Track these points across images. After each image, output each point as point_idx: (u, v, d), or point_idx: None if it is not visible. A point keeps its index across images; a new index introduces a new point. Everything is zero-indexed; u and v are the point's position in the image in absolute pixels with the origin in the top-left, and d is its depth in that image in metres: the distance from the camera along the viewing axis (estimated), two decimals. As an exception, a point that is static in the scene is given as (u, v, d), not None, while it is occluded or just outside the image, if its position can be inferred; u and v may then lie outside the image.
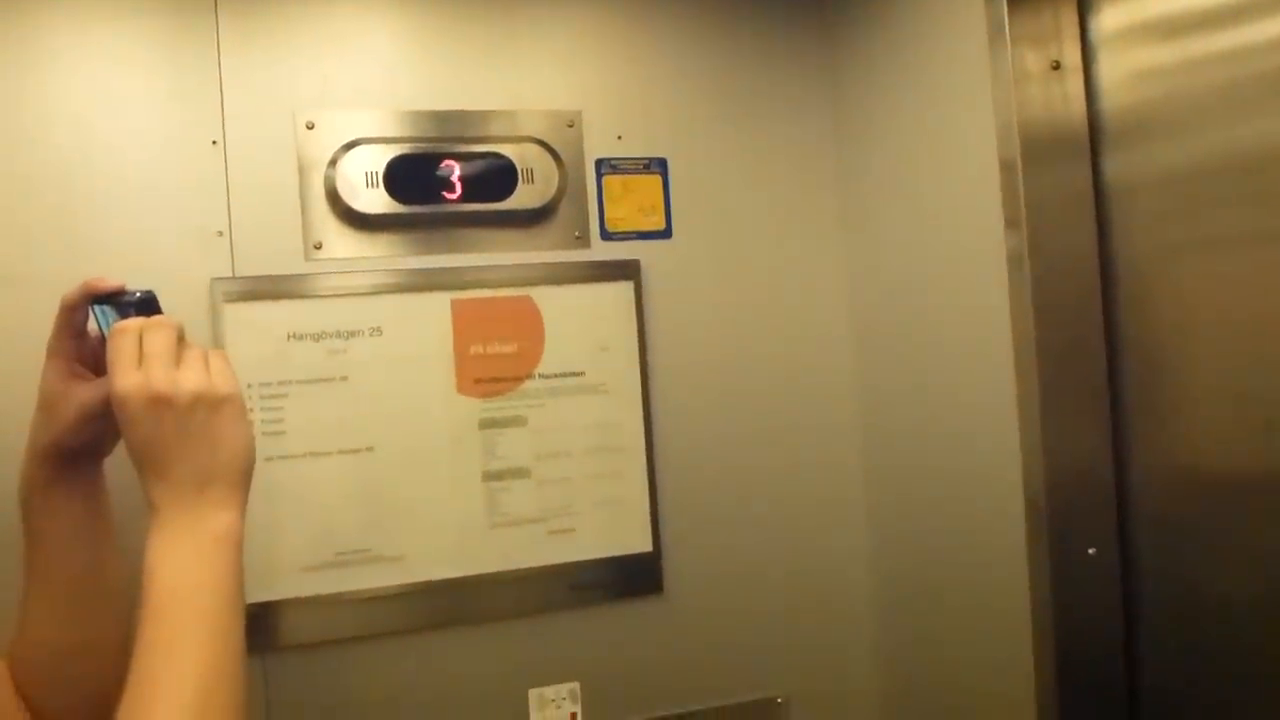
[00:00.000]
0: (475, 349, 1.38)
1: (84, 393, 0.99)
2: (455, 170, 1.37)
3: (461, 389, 1.38)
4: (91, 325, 1.04)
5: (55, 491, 1.02)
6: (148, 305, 1.01)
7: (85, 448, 1.02)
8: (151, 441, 0.88)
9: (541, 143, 1.41)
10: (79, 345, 1.04)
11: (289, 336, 1.31)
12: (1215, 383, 1.08)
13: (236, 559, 0.89)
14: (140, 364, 0.90)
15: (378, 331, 1.34)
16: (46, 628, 1.03)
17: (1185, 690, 1.13)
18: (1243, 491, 1.06)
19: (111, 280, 1.02)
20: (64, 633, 1.02)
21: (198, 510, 0.88)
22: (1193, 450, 1.12)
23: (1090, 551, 1.17)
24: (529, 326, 1.41)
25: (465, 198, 1.38)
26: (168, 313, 1.23)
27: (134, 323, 0.94)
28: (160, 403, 0.88)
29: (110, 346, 0.92)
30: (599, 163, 1.44)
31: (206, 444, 0.89)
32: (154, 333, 0.92)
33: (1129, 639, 1.18)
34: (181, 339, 0.95)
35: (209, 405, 0.90)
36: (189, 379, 0.90)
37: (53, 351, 1.03)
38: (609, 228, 1.45)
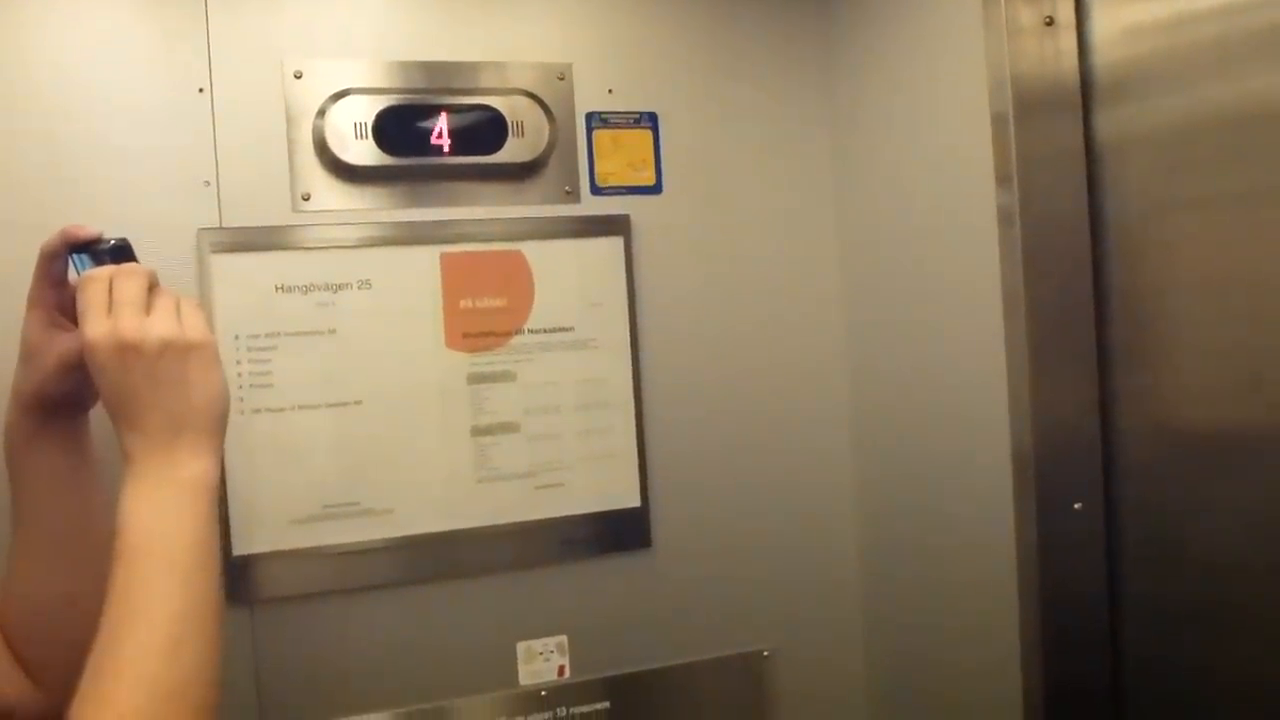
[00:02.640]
0: (464, 303, 1.38)
1: (63, 342, 0.98)
2: (445, 122, 1.36)
3: (450, 343, 1.37)
4: (71, 274, 1.03)
5: (38, 442, 1.01)
6: (121, 253, 1.00)
7: (67, 398, 1.01)
8: (121, 390, 0.88)
9: (532, 95, 1.40)
10: (59, 294, 1.03)
11: (276, 288, 1.30)
12: (1203, 339, 1.09)
13: (210, 506, 0.89)
14: (110, 312, 0.89)
15: (366, 284, 1.34)
16: (32, 578, 1.03)
17: (1169, 645, 1.14)
18: (1228, 447, 1.07)
19: (89, 228, 1.01)
20: (49, 584, 1.02)
21: (170, 458, 0.88)
22: (1179, 406, 1.13)
23: (1076, 506, 1.18)
24: (518, 281, 1.40)
25: (455, 150, 1.36)
26: (153, 262, 1.23)
27: (104, 270, 0.93)
28: (129, 350, 0.87)
29: (80, 295, 0.92)
30: (589, 116, 1.43)
31: (177, 391, 0.89)
32: (124, 280, 0.91)
33: (1113, 593, 1.19)
34: (154, 286, 0.94)
35: (178, 352, 0.89)
36: (158, 326, 0.89)
37: (33, 301, 1.02)
38: (599, 182, 1.44)
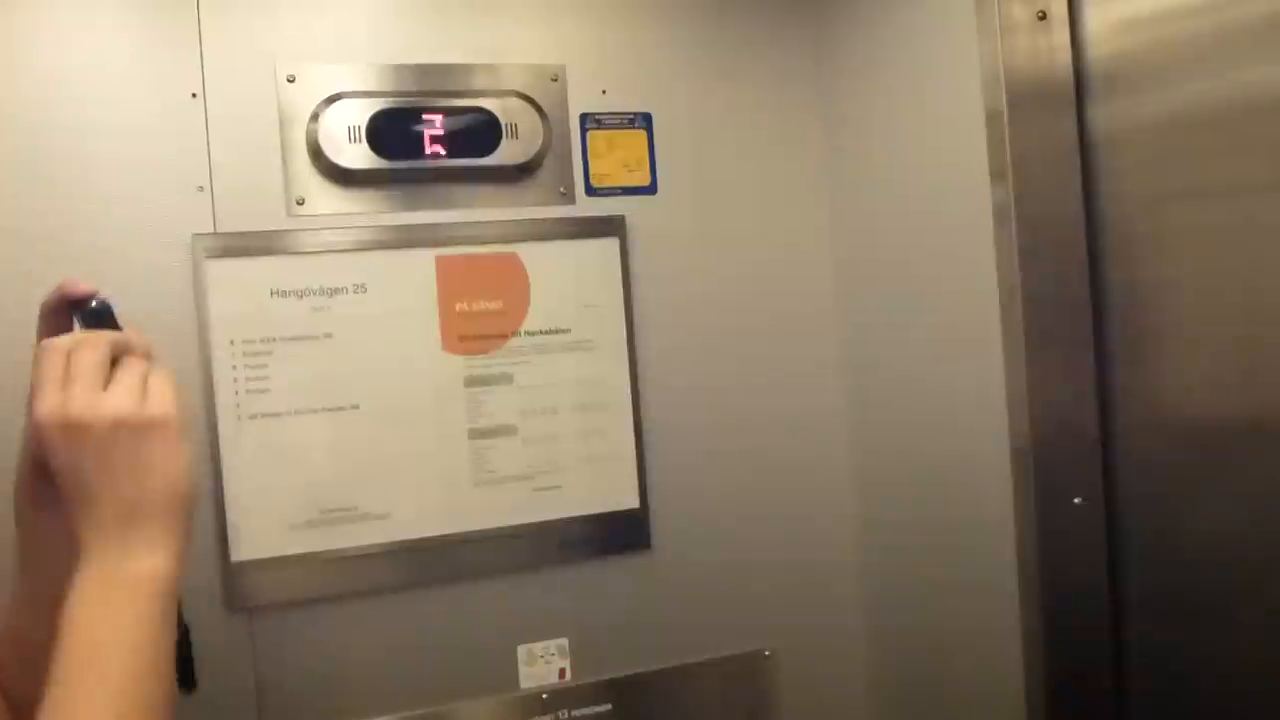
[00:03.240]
0: (460, 306, 1.37)
1: None
2: (438, 125, 1.36)
3: (447, 346, 1.37)
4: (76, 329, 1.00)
5: (44, 500, 0.97)
6: (98, 317, 0.94)
7: None
8: (72, 472, 0.80)
9: (525, 97, 1.40)
10: None
11: (272, 293, 1.30)
12: (1198, 331, 1.09)
13: (162, 610, 0.79)
14: (64, 386, 0.81)
15: (362, 288, 1.33)
16: (29, 623, 1.01)
17: (1171, 638, 1.14)
18: (1226, 439, 1.07)
19: (82, 285, 0.91)
20: (44, 631, 1.01)
21: (123, 551, 0.79)
22: (1177, 400, 1.13)
23: (1076, 501, 1.18)
24: (514, 283, 1.40)
25: (449, 153, 1.36)
26: (148, 268, 1.23)
27: (65, 339, 0.85)
28: (78, 429, 0.79)
29: (35, 366, 0.84)
30: (583, 117, 1.43)
31: (132, 476, 0.79)
32: (81, 350, 0.83)
33: (1114, 587, 1.19)
34: (122, 356, 0.86)
35: (134, 431, 0.80)
36: (112, 401, 0.80)
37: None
38: (594, 183, 1.44)
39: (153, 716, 0.77)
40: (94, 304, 0.91)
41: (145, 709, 0.77)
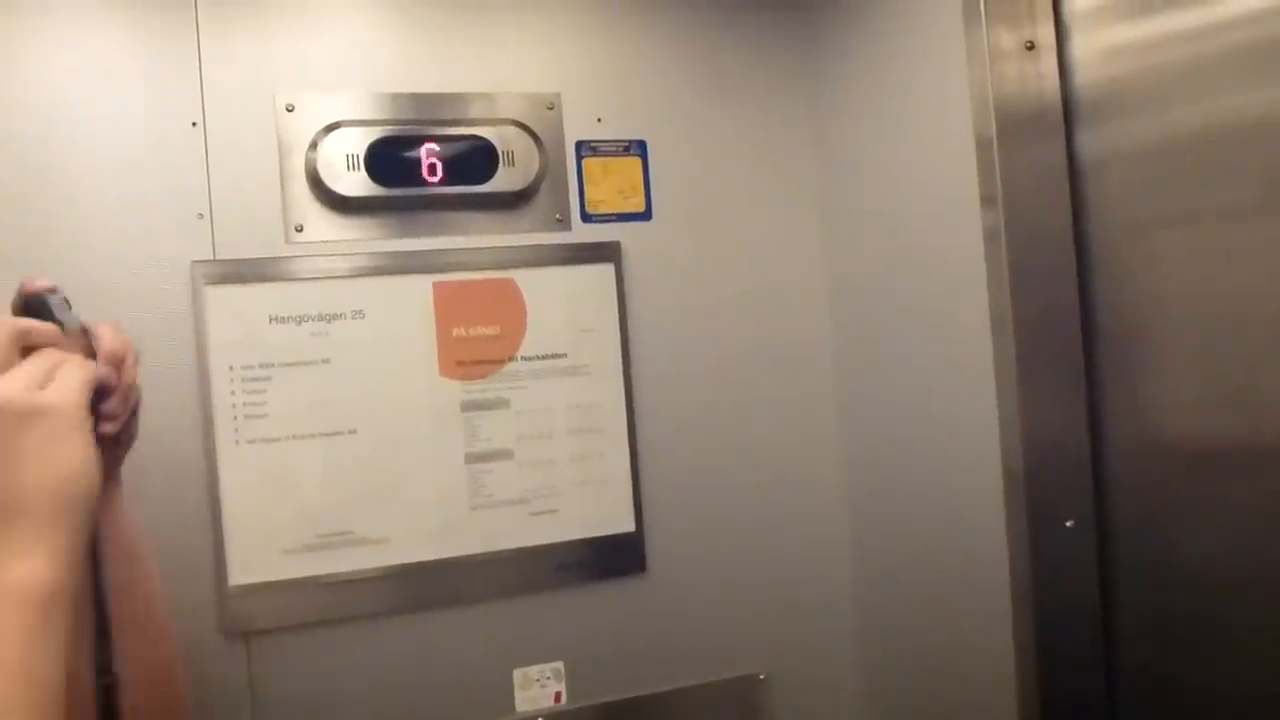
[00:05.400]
0: (457, 331, 1.38)
1: None
2: (436, 153, 1.37)
3: (444, 371, 1.38)
4: None
5: None
6: (31, 310, 0.88)
7: None
8: None
9: (521, 125, 1.42)
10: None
11: (270, 319, 1.31)
12: (1188, 353, 1.10)
13: (34, 625, 0.67)
14: None
15: (360, 314, 1.35)
16: None
17: (1163, 660, 1.15)
18: (1217, 460, 1.08)
19: (40, 281, 0.88)
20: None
21: None
22: (1167, 420, 1.14)
23: (1068, 523, 1.18)
24: (511, 309, 1.41)
25: (446, 180, 1.38)
26: (148, 294, 1.24)
27: None
28: None
29: None
30: (579, 145, 1.45)
31: (7, 467, 0.70)
32: None
33: (1107, 609, 1.19)
34: (39, 347, 0.80)
35: (16, 418, 0.71)
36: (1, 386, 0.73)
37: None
38: (589, 210, 1.45)
39: None
40: (45, 297, 0.87)
41: None
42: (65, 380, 0.76)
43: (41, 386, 0.74)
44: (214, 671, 1.28)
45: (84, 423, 0.76)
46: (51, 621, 0.69)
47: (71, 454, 0.74)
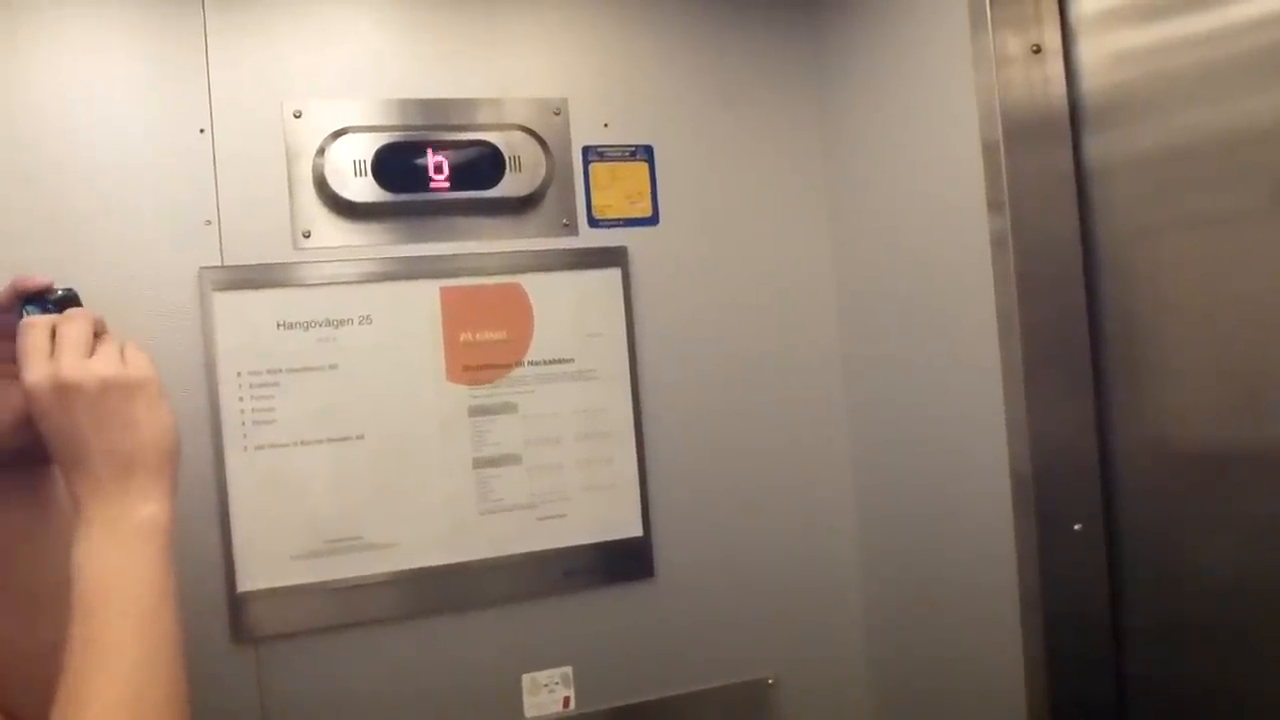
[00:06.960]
0: (465, 336, 1.39)
1: (16, 396, 0.96)
2: (443, 158, 1.38)
3: (451, 376, 1.38)
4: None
5: (3, 497, 0.98)
6: (68, 302, 0.96)
7: (24, 453, 0.97)
8: (65, 432, 0.85)
9: (528, 130, 1.42)
10: (11, 347, 1.00)
11: (278, 325, 1.31)
12: (1196, 358, 1.10)
13: (164, 549, 0.85)
14: (51, 356, 0.86)
15: (367, 319, 1.35)
16: (10, 630, 1.00)
17: (1172, 663, 1.15)
18: (1225, 464, 1.08)
19: (39, 278, 0.97)
20: (28, 635, 1.00)
21: (120, 502, 0.85)
22: (1175, 425, 1.14)
23: (1076, 527, 1.18)
24: (518, 314, 1.41)
25: (453, 186, 1.38)
26: (155, 301, 1.24)
27: (46, 317, 0.91)
28: (70, 390, 0.84)
29: (19, 341, 0.89)
30: (586, 150, 1.45)
31: (122, 431, 0.86)
32: (66, 324, 0.89)
33: (1115, 613, 1.19)
34: (100, 333, 0.92)
35: (122, 390, 0.86)
36: (99, 365, 0.86)
37: None
38: (596, 215, 1.46)
39: (172, 644, 0.83)
40: (60, 291, 0.95)
41: (164, 638, 0.82)
42: (139, 357, 0.90)
43: (124, 363, 0.88)
44: (224, 677, 1.28)
45: (164, 392, 0.90)
46: (170, 548, 0.85)
47: (166, 415, 0.89)
